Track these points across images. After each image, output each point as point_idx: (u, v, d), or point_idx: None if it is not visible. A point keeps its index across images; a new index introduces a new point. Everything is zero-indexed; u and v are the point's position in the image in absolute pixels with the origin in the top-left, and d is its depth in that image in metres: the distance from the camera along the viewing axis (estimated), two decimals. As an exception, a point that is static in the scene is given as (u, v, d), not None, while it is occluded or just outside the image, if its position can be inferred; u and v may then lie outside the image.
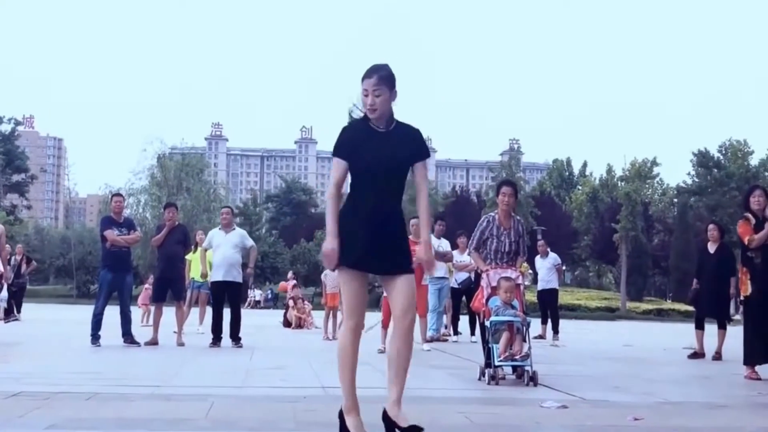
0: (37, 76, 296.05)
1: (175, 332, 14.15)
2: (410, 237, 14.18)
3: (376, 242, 5.11)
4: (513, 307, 8.81)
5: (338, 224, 5.17)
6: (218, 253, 14.12)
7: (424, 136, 5.47)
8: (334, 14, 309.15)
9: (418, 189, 5.40)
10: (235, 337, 13.87)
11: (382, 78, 5.13)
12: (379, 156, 5.12)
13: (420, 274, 14.01)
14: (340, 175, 5.24)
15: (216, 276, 14.15)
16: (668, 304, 63.89)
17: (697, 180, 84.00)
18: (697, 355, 13.55)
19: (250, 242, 14.52)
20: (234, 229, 14.50)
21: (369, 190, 5.16)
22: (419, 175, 5.35)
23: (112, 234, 13.39)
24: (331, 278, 16.47)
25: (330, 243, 5.11)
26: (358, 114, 5.42)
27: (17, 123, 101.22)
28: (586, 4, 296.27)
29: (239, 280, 14.19)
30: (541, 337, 18.27)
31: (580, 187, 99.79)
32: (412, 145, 5.26)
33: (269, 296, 58.37)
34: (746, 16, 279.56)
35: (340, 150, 5.24)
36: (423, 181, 5.39)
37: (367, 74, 5.14)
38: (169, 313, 14.34)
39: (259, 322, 20.44)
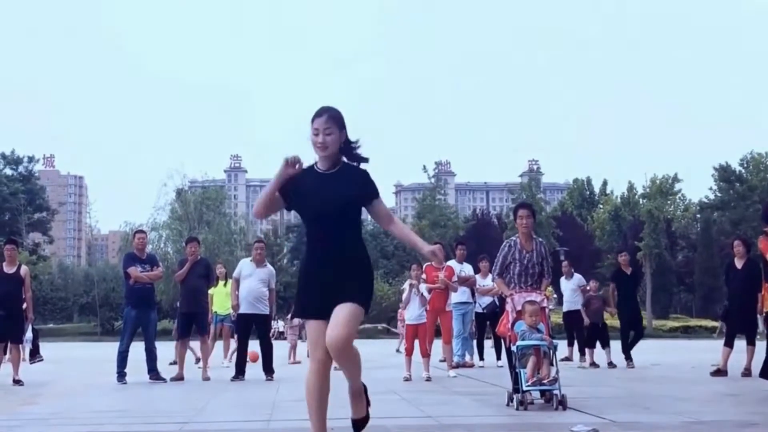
0: (56, 116, 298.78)
1: (200, 367, 14.13)
2: (432, 263, 14.17)
3: (328, 286, 5.12)
4: (539, 331, 8.75)
5: (300, 274, 5.37)
6: (245, 285, 14.04)
7: (372, 176, 5.42)
8: (350, 40, 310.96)
9: (389, 221, 5.43)
10: (268, 370, 13.77)
11: (332, 117, 5.21)
12: (321, 199, 5.16)
13: (444, 300, 13.98)
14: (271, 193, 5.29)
15: (241, 309, 14.09)
16: (695, 321, 63.43)
17: (719, 195, 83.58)
18: (720, 372, 13.37)
19: (273, 284, 14.35)
20: (266, 265, 14.34)
21: (319, 233, 5.21)
22: (381, 210, 5.39)
23: (135, 271, 13.43)
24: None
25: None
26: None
27: (30, 159, 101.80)
28: (603, 24, 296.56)
29: (265, 312, 14.09)
30: (568, 359, 18.14)
31: (601, 206, 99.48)
32: (359, 186, 5.27)
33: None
34: (764, 30, 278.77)
35: (281, 190, 5.28)
36: (387, 213, 5.45)
37: (318, 114, 5.22)
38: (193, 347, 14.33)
39: (284, 353, 20.42)
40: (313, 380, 5.14)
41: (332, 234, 5.17)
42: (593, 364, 16.36)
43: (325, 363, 5.13)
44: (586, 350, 17.00)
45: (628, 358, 16.21)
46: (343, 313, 5.05)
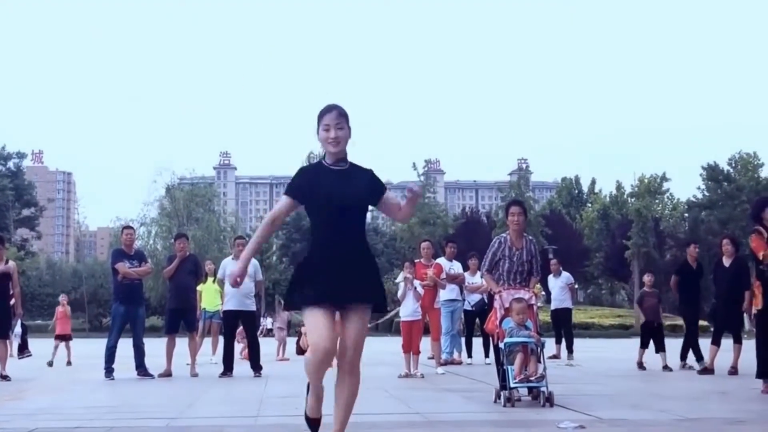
0: (45, 112, 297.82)
1: (188, 363, 14.12)
2: (421, 261, 14.21)
3: (338, 277, 5.15)
4: (527, 328, 8.77)
5: (301, 267, 5.37)
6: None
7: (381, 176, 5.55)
8: (342, 40, 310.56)
9: (398, 208, 5.48)
10: (256, 367, 13.79)
11: (341, 113, 5.28)
12: (336, 193, 5.20)
13: (432, 298, 13.98)
14: (280, 208, 5.40)
15: (228, 305, 14.12)
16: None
17: (707, 194, 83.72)
18: (707, 370, 13.44)
19: (260, 275, 14.50)
20: None
21: (330, 227, 5.23)
22: (392, 200, 5.48)
23: (123, 267, 13.40)
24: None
25: (237, 267, 5.39)
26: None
27: (20, 156, 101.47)
28: (592, 21, 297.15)
29: (252, 308, 14.12)
30: (556, 356, 18.18)
31: (590, 205, 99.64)
32: (367, 184, 5.36)
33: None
34: (753, 29, 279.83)
35: (292, 190, 5.34)
36: (397, 201, 5.51)
37: (327, 110, 5.28)
38: (181, 344, 14.31)
39: (272, 350, 20.43)
40: (315, 361, 5.25)
41: (343, 228, 5.23)
42: (640, 365, 15.10)
43: (330, 354, 5.17)
44: (638, 350, 15.57)
45: (699, 358, 14.95)
46: (357, 331, 5.24)
